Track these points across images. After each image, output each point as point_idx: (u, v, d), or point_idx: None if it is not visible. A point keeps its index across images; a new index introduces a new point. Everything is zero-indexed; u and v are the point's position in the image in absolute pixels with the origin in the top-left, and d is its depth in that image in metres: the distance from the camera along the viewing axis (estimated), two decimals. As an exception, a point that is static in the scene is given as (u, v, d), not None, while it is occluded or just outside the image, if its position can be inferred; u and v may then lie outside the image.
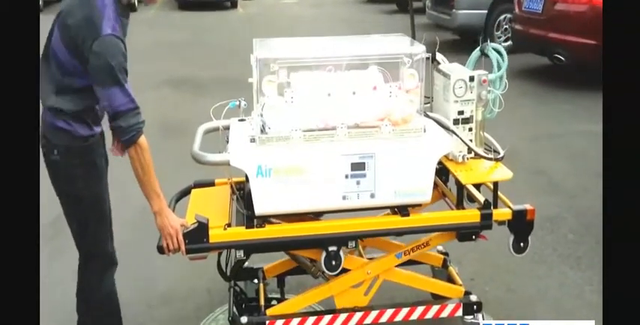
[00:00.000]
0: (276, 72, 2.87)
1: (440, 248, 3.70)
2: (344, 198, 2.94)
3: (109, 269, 3.18)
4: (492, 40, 10.89)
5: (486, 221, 3.07)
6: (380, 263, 3.24)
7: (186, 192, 3.44)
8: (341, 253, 3.01)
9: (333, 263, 3.01)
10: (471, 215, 3.09)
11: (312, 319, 3.14)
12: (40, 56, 2.85)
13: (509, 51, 10.31)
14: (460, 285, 3.45)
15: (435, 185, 3.33)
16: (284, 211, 2.98)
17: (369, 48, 3.23)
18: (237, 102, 3.15)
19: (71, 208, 3.03)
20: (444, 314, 3.25)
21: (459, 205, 3.19)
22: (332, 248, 2.99)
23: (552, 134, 7.05)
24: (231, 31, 14.59)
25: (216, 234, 2.90)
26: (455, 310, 3.25)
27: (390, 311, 3.20)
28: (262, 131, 2.90)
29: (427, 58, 3.15)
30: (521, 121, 7.27)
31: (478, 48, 3.41)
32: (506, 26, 11.11)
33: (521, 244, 3.18)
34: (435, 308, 3.24)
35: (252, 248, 2.99)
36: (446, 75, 3.21)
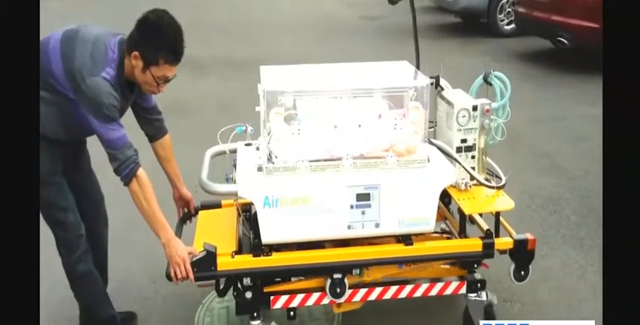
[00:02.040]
0: (283, 104, 2.92)
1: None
2: (349, 227, 3.00)
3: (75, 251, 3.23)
4: (495, 23, 10.94)
5: (488, 250, 3.12)
6: (380, 270, 3.25)
7: (190, 215, 3.50)
8: (345, 280, 3.07)
9: (338, 290, 3.07)
10: (473, 244, 3.14)
11: (316, 295, 3.16)
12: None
13: (512, 34, 10.54)
14: None
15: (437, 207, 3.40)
16: (290, 240, 3.03)
17: (374, 79, 3.26)
18: (244, 127, 3.20)
19: None
20: (448, 291, 3.26)
21: (462, 233, 3.24)
22: (337, 276, 3.05)
23: (554, 117, 7.12)
24: (230, 13, 14.53)
25: (224, 262, 2.96)
26: (459, 288, 3.26)
27: (394, 288, 3.21)
28: (269, 160, 2.95)
29: (431, 84, 3.20)
30: (524, 105, 7.29)
31: (481, 76, 3.44)
32: (510, 9, 11.08)
33: (522, 273, 3.24)
34: (439, 285, 3.25)
35: (258, 275, 3.05)
36: (449, 103, 3.26)
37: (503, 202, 3.21)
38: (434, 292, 3.27)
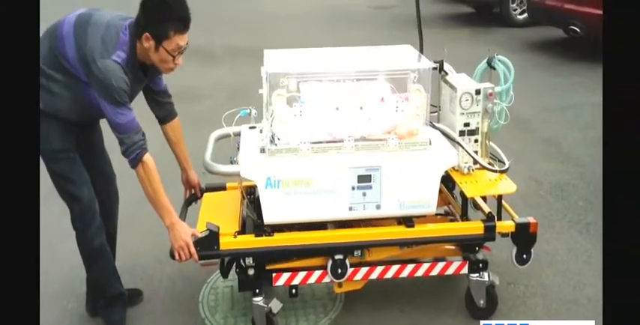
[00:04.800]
0: (285, 86, 2.94)
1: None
2: (350, 208, 3.02)
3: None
4: (508, 12, 10.88)
5: (490, 233, 3.14)
6: (382, 250, 3.26)
7: (196, 197, 3.54)
8: (347, 262, 3.10)
9: (339, 271, 3.10)
10: (474, 227, 3.16)
11: (317, 273, 3.19)
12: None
13: (525, 24, 10.50)
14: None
15: (440, 191, 3.41)
16: (291, 221, 3.06)
17: (377, 62, 3.27)
18: (248, 111, 3.23)
19: None
20: (450, 271, 3.28)
21: (464, 216, 3.26)
22: (338, 257, 3.08)
23: (564, 105, 7.09)
24: (241, 5, 14.53)
25: (226, 242, 3.01)
26: (461, 267, 3.28)
27: (395, 267, 3.23)
28: (272, 141, 2.98)
29: (434, 68, 3.21)
30: (534, 92, 7.31)
31: (485, 60, 3.45)
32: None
33: (524, 256, 3.25)
34: (441, 265, 3.27)
35: (260, 255, 3.09)
36: (453, 87, 3.27)
37: (506, 185, 3.22)
38: (435, 271, 3.29)
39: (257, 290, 3.18)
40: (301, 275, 3.20)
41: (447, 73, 3.41)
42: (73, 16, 2.97)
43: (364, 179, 2.99)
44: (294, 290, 3.27)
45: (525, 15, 10.82)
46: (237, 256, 3.10)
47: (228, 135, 3.34)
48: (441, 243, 3.31)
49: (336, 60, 3.35)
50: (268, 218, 2.99)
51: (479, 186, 3.22)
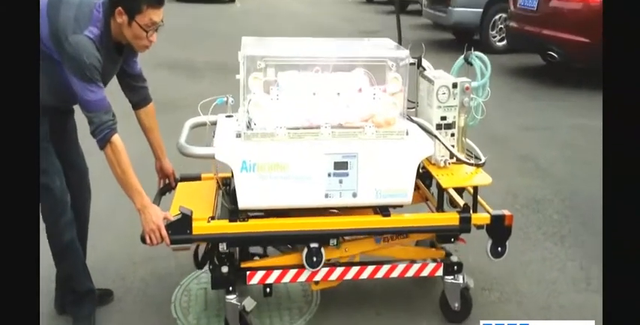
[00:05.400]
0: (262, 69, 2.94)
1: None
2: (326, 196, 3.00)
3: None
4: (488, 39, 11.05)
5: (465, 224, 3.13)
6: (358, 244, 3.26)
7: (170, 187, 3.50)
8: (322, 250, 3.06)
9: (314, 259, 3.06)
10: (450, 218, 3.15)
11: (292, 271, 3.15)
12: None
13: (504, 51, 10.62)
14: (442, 248, 3.48)
15: (418, 188, 3.41)
16: (267, 206, 3.03)
17: (356, 51, 3.29)
18: (225, 99, 3.21)
19: None
20: (425, 272, 3.27)
21: (439, 208, 3.25)
22: (314, 245, 3.05)
23: (542, 126, 7.16)
24: (227, 23, 14.70)
25: (199, 226, 2.95)
26: (435, 269, 3.28)
27: (370, 268, 3.21)
28: (248, 127, 2.96)
29: (412, 64, 3.23)
30: (513, 114, 7.41)
31: (462, 56, 3.48)
32: (502, 26, 11.23)
33: (499, 249, 3.24)
34: (416, 266, 3.26)
35: (234, 241, 3.04)
36: (430, 81, 3.29)
37: (482, 178, 3.22)
38: (410, 273, 3.27)
39: (230, 288, 3.12)
40: (276, 273, 3.15)
41: (424, 69, 3.44)
42: None
43: (341, 166, 2.97)
44: (268, 289, 3.22)
45: (505, 42, 11.03)
46: (210, 241, 3.05)
47: (203, 124, 3.29)
48: (417, 233, 3.29)
49: (315, 48, 3.36)
50: (243, 203, 2.95)
51: (455, 178, 3.22)
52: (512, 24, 9.76)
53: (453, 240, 3.21)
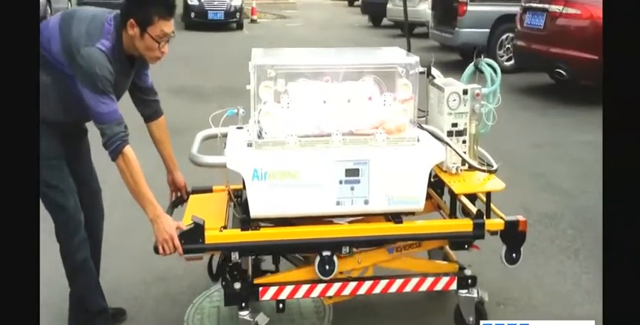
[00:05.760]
0: (273, 78, 2.95)
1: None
2: (338, 203, 2.98)
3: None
4: (495, 59, 11.11)
5: (479, 230, 3.10)
6: (371, 255, 3.23)
7: (182, 200, 3.50)
8: (335, 259, 3.04)
9: (327, 267, 3.03)
10: (463, 224, 3.12)
11: (305, 287, 3.12)
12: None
13: (512, 70, 10.63)
14: (455, 262, 3.44)
15: (430, 197, 3.39)
16: (279, 214, 3.02)
17: (365, 58, 3.30)
18: (236, 110, 3.21)
19: None
20: (439, 286, 3.23)
21: (452, 215, 3.23)
22: (326, 253, 3.03)
23: (552, 143, 7.15)
24: (235, 50, 14.81)
25: (211, 236, 2.94)
26: (449, 283, 3.24)
27: (383, 282, 3.17)
28: (259, 137, 2.96)
29: (422, 73, 3.24)
30: (521, 131, 7.40)
31: (472, 63, 3.48)
32: (509, 45, 11.26)
33: (514, 255, 3.20)
34: (430, 280, 3.22)
35: (246, 250, 3.02)
36: (440, 88, 3.29)
37: (494, 184, 3.21)
38: (424, 287, 3.24)
39: (243, 304, 3.10)
40: (288, 289, 3.13)
41: (434, 77, 3.44)
42: (58, 14, 3.01)
43: (352, 173, 2.96)
44: (281, 305, 3.19)
45: (512, 61, 11.05)
46: (222, 250, 3.03)
47: (215, 136, 3.30)
48: (430, 240, 3.26)
49: (325, 57, 3.37)
50: (255, 211, 2.94)
51: (467, 184, 3.21)
52: (520, 43, 9.80)
53: (467, 246, 3.18)
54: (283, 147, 2.93)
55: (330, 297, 3.23)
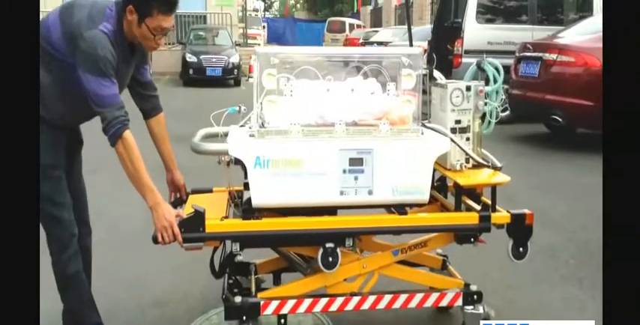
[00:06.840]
0: (276, 64, 2.93)
1: (439, 250, 3.63)
2: (342, 193, 2.93)
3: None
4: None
5: (485, 223, 3.04)
6: (376, 259, 3.18)
7: (182, 200, 3.43)
8: (338, 251, 2.96)
9: (330, 259, 2.95)
10: (469, 217, 3.07)
11: (307, 301, 3.05)
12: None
13: (508, 121, 10.72)
14: (460, 279, 3.38)
15: (435, 199, 3.34)
16: (281, 204, 2.95)
17: (368, 49, 3.30)
18: (237, 108, 3.19)
19: None
20: (444, 302, 3.17)
21: (457, 209, 3.17)
22: (329, 245, 2.95)
23: (550, 185, 7.13)
24: (231, 104, 14.93)
25: (212, 224, 2.87)
26: (455, 299, 3.17)
27: (388, 297, 3.10)
28: (262, 127, 2.93)
29: (424, 75, 3.24)
30: (520, 175, 7.21)
31: (475, 63, 3.49)
32: (503, 97, 11.29)
33: (521, 249, 3.14)
34: (435, 295, 3.15)
35: (248, 240, 2.94)
36: (443, 86, 3.28)
37: (500, 177, 3.16)
38: (429, 303, 3.18)
39: (244, 318, 3.02)
40: (291, 303, 3.06)
41: (436, 79, 3.44)
42: (57, 7, 3.00)
43: (356, 162, 2.92)
44: (282, 320, 3.10)
45: (507, 112, 11.07)
46: (223, 239, 2.96)
47: (215, 135, 3.26)
48: (435, 232, 3.20)
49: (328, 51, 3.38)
50: (257, 200, 2.88)
51: (472, 178, 3.15)
52: (515, 91, 9.87)
53: (472, 240, 3.11)
54: (286, 136, 2.90)
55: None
